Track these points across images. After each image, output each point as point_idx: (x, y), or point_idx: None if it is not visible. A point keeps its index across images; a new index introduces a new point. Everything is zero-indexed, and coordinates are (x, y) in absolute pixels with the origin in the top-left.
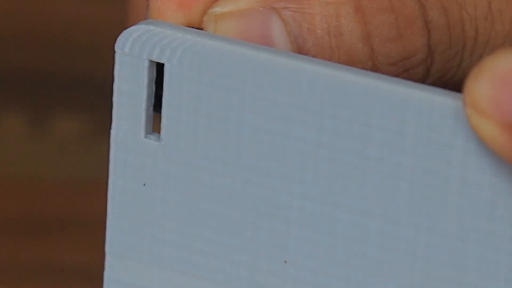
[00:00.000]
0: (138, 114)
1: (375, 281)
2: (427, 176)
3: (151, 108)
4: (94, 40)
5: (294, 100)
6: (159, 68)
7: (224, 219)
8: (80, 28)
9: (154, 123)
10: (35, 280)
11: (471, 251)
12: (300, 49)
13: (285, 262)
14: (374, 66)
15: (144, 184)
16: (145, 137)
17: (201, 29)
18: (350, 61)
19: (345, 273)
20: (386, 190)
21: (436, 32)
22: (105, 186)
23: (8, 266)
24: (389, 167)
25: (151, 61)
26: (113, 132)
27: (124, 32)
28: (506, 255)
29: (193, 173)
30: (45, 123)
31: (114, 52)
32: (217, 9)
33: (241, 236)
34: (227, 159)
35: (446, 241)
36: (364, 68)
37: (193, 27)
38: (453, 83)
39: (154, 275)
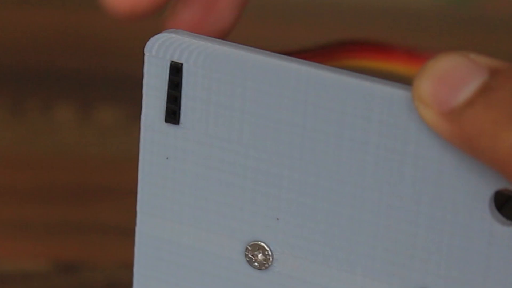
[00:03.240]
0: (162, 103)
1: (349, 234)
2: (388, 152)
3: (173, 102)
4: (129, 47)
5: (285, 92)
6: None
7: (229, 185)
8: (117, 37)
9: None
10: (83, 236)
11: (423, 210)
12: None
13: (278, 219)
14: None
15: (167, 158)
16: (167, 122)
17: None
18: None
19: (325, 228)
20: (356, 163)
21: None
22: (137, 160)
23: (60, 225)
24: (358, 145)
25: (172, 61)
26: (142, 117)
27: (151, 38)
28: (451, 214)
29: (205, 150)
30: (90, 112)
31: (143, 54)
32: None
33: (243, 198)
34: (232, 139)
35: (403, 202)
36: None
37: (205, 36)
38: None
39: (175, 229)
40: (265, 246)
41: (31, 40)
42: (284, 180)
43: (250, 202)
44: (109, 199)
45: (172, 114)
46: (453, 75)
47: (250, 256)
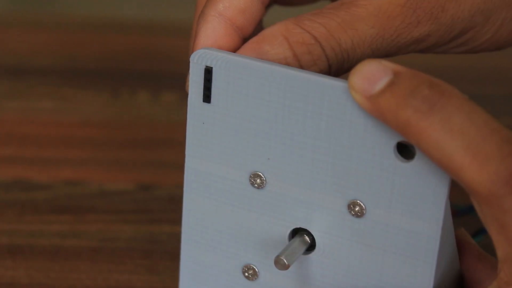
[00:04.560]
0: (200, 90)
1: (311, 167)
2: (335, 119)
3: (207, 90)
4: (183, 59)
5: (270, 85)
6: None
7: (239, 138)
8: (176, 53)
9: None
10: (153, 168)
11: (354, 154)
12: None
13: (268, 159)
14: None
15: (203, 123)
16: (203, 101)
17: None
18: None
19: (295, 163)
20: (315, 126)
21: (331, 59)
22: (185, 123)
23: (139, 161)
24: (317, 115)
25: (206, 66)
26: (189, 99)
27: (194, 53)
28: (372, 156)
29: (225, 117)
30: (159, 95)
31: (189, 62)
32: None
33: (247, 146)
34: (241, 111)
35: (342, 149)
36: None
37: (226, 51)
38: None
39: (209, 165)
40: (261, 175)
41: (120, 54)
42: (272, 136)
43: (251, 148)
44: (169, 146)
45: (206, 97)
46: (371, 74)
47: (252, 180)
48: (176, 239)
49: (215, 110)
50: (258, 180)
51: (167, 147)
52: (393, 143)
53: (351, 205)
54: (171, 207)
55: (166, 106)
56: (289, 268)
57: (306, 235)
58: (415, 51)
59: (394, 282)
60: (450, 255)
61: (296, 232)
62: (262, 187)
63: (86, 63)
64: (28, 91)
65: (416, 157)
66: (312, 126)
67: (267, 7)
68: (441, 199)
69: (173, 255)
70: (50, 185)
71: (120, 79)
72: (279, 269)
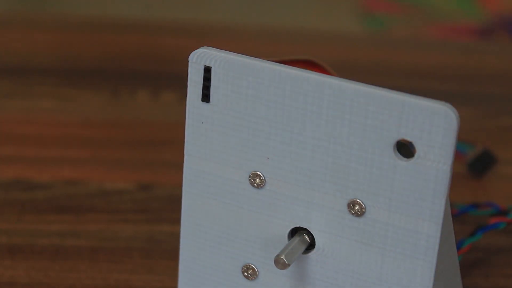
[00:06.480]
0: (199, 90)
1: (310, 167)
2: (333, 121)
3: (206, 89)
4: (181, 59)
5: (268, 84)
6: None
7: (238, 138)
8: (175, 54)
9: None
10: (154, 169)
11: (354, 153)
12: None
13: (268, 158)
14: None
15: (202, 122)
16: (202, 101)
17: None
18: None
19: (295, 163)
20: (308, 131)
21: None
22: (184, 123)
23: (139, 161)
24: (311, 117)
25: (205, 65)
26: (188, 99)
27: (192, 52)
28: (372, 155)
29: (224, 117)
30: (159, 95)
31: (188, 61)
32: None
33: (246, 146)
34: (240, 111)
35: (343, 148)
36: None
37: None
38: None
39: (209, 164)
40: (260, 174)
41: (120, 54)
42: (271, 135)
43: (251, 148)
44: (168, 146)
45: (205, 96)
46: None
47: (251, 180)
48: (175, 238)
49: (214, 110)
50: (257, 180)
51: (166, 147)
52: (392, 142)
53: (351, 204)
54: (170, 207)
55: (166, 106)
56: (289, 268)
57: (306, 234)
58: None
59: (394, 281)
60: (450, 254)
61: (296, 231)
62: (261, 187)
63: (86, 63)
64: (28, 91)
65: (415, 156)
66: (312, 125)
67: None
68: (440, 197)
69: (173, 255)
70: (50, 185)
71: (120, 79)
72: (279, 269)
